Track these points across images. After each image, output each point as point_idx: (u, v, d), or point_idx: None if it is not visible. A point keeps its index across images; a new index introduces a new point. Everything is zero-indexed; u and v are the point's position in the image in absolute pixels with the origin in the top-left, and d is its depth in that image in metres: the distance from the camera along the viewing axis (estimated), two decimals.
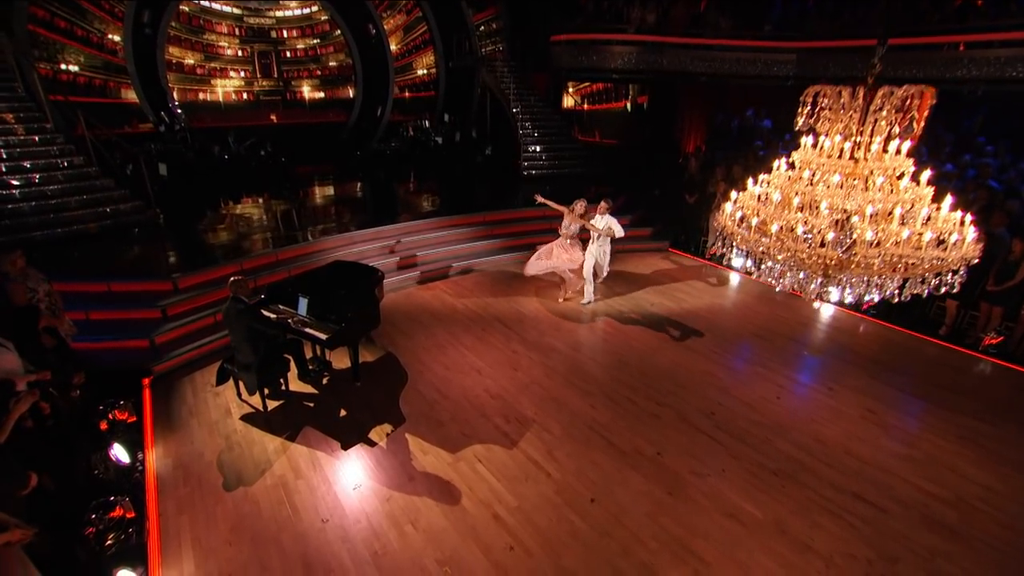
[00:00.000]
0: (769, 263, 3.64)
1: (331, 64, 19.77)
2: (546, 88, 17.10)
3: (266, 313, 6.30)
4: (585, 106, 18.23)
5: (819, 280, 3.44)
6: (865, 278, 3.37)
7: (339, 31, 17.95)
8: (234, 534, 4.42)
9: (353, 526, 4.51)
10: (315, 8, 18.17)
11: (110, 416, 5.45)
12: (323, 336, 6.06)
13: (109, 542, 4.15)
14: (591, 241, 8.44)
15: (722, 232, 3.88)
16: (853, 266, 3.33)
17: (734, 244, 3.81)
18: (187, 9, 16.78)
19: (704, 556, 4.25)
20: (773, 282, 3.69)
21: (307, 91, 20.14)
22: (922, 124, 3.34)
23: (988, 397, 6.47)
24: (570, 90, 17.77)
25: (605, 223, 8.28)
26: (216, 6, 17.54)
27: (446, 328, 7.96)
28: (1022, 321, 7.45)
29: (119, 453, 5.05)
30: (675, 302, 8.97)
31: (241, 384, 6.09)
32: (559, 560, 4.19)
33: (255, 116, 18.02)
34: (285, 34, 19.18)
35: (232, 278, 5.71)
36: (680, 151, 14.89)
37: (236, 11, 17.90)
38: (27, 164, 9.67)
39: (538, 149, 15.24)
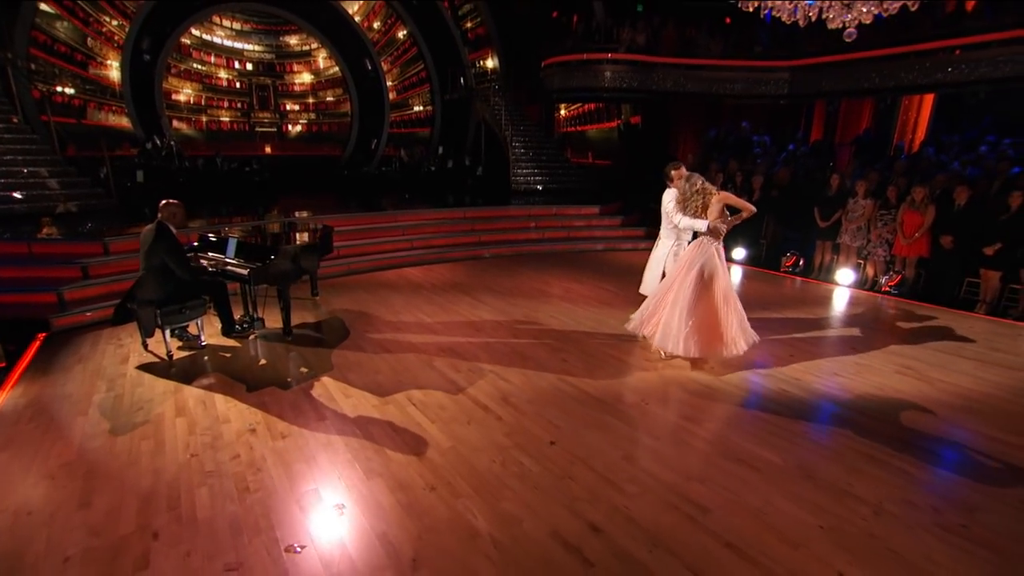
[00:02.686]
0: None
1: (328, 99, 19.95)
2: (539, 114, 16.93)
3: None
4: (578, 128, 18.02)
5: None
6: None
7: (336, 67, 18.20)
8: (65, 469, 3.30)
9: (228, 462, 3.39)
10: (314, 45, 18.54)
11: None
12: (245, 272, 5.14)
13: None
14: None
15: None
16: None
17: None
18: (188, 41, 17.12)
19: (701, 501, 3.07)
20: None
21: (303, 124, 20.22)
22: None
23: None
24: (562, 112, 17.62)
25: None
26: (216, 40, 17.92)
27: (406, 299, 6.99)
28: None
29: None
30: None
31: (157, 332, 5.07)
32: (497, 504, 3.02)
33: (250, 147, 17.92)
34: (284, 68, 19.48)
35: (164, 201, 4.87)
36: None
37: (236, 45, 18.29)
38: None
39: (530, 170, 14.77)
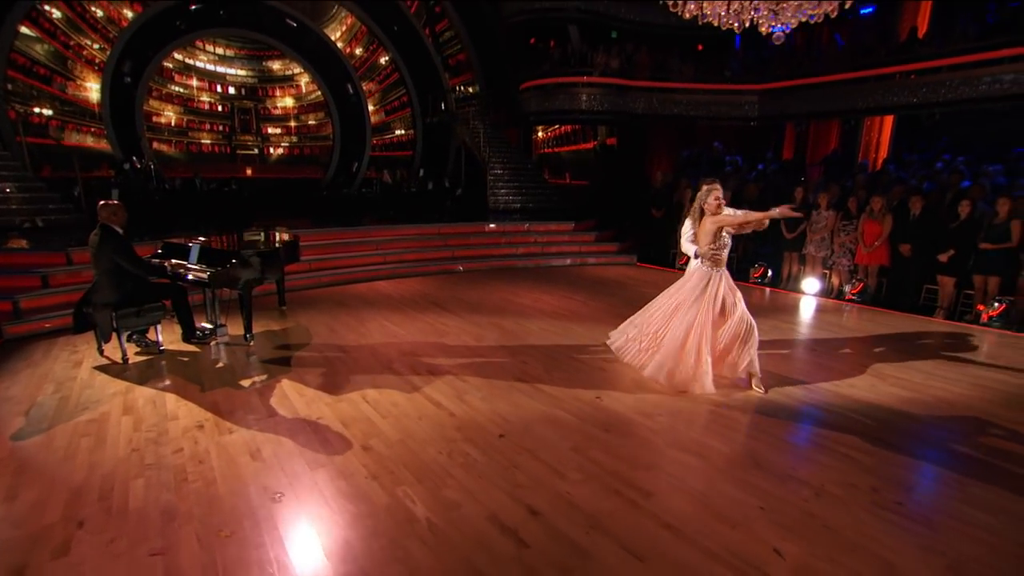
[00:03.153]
0: None
1: (310, 122, 20.13)
2: (518, 137, 17.21)
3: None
4: (555, 149, 18.32)
5: None
6: None
7: (319, 91, 18.43)
8: None
9: (170, 455, 3.33)
10: (297, 70, 18.79)
11: None
12: (205, 276, 5.12)
13: None
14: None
15: None
16: None
17: None
18: (170, 65, 17.26)
19: (645, 487, 3.06)
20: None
21: (285, 147, 20.36)
22: None
23: (994, 354, 5.40)
24: (540, 135, 17.94)
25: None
26: (199, 64, 18.10)
27: (374, 308, 6.96)
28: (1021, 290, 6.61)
29: None
30: (634, 296, 8.01)
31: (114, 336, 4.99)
32: (438, 491, 3.00)
33: (231, 169, 17.94)
34: (266, 92, 19.67)
35: (102, 201, 4.86)
36: (650, 186, 14.65)
37: (219, 69, 18.47)
38: None
39: (508, 191, 14.96)
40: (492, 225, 11.23)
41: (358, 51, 19.62)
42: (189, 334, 5.44)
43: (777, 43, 5.30)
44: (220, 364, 4.92)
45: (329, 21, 19.28)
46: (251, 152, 19.57)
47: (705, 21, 4.95)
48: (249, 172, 18.62)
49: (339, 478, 3.10)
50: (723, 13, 4.68)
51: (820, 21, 4.80)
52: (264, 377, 4.61)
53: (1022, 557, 2.54)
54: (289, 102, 20.33)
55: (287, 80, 19.99)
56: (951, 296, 7.26)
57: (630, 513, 2.82)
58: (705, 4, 4.62)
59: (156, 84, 17.07)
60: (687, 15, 4.83)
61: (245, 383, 4.48)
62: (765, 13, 4.58)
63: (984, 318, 6.73)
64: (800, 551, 2.54)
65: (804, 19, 4.64)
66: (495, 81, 18.08)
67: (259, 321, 6.16)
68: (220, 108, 18.86)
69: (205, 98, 18.50)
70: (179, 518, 2.72)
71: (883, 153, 13.29)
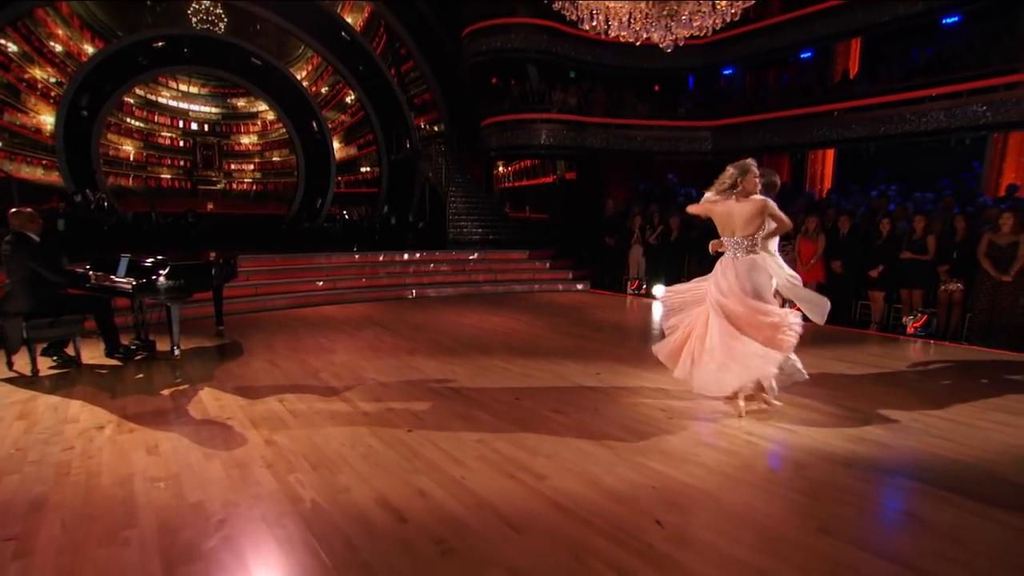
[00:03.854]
0: None
1: (275, 159, 20.29)
2: (481, 172, 17.59)
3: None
4: (516, 183, 18.73)
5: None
6: None
7: (284, 128, 18.68)
8: None
9: (58, 453, 3.21)
10: (262, 107, 19.07)
11: None
12: (129, 287, 5.06)
13: None
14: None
15: None
16: None
17: None
18: (131, 100, 17.34)
19: (541, 471, 3.06)
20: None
21: (248, 182, 20.40)
22: None
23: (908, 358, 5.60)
24: (501, 169, 18.36)
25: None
26: (161, 100, 18.23)
27: (315, 329, 6.91)
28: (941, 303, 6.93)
29: None
30: (580, 317, 8.13)
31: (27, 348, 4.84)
32: (332, 477, 2.95)
33: (192, 204, 17.83)
34: (230, 128, 19.82)
35: (13, 209, 4.81)
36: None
37: (182, 105, 18.62)
38: None
39: (469, 224, 15.21)
40: (445, 253, 11.33)
41: (324, 89, 20.03)
42: (112, 349, 5.32)
43: (668, 51, 5.58)
44: (140, 375, 4.81)
45: (296, 60, 19.72)
46: (213, 187, 19.54)
47: (613, 35, 5.20)
48: (211, 207, 18.54)
49: (232, 467, 3.03)
50: (617, 23, 4.92)
51: (715, 30, 5.03)
52: (183, 386, 4.51)
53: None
54: (254, 138, 20.50)
55: (252, 117, 20.22)
56: (882, 310, 7.55)
57: (519, 493, 2.81)
58: (609, 16, 4.88)
59: (116, 119, 17.07)
60: (589, 27, 5.07)
61: (161, 391, 4.38)
62: (660, 24, 4.87)
63: (909, 330, 6.98)
64: (681, 521, 2.56)
65: (695, 32, 4.94)
66: (459, 119, 18.59)
67: (192, 339, 6.08)
68: (182, 143, 18.89)
69: (167, 133, 18.54)
70: (47, 508, 2.61)
71: (827, 184, 13.95)
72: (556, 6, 4.76)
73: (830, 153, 13.96)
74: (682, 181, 15.19)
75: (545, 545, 2.36)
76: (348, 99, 20.01)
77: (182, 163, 18.88)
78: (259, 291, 8.56)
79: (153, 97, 17.99)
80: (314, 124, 19.04)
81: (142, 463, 3.09)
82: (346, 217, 17.31)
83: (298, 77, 18.56)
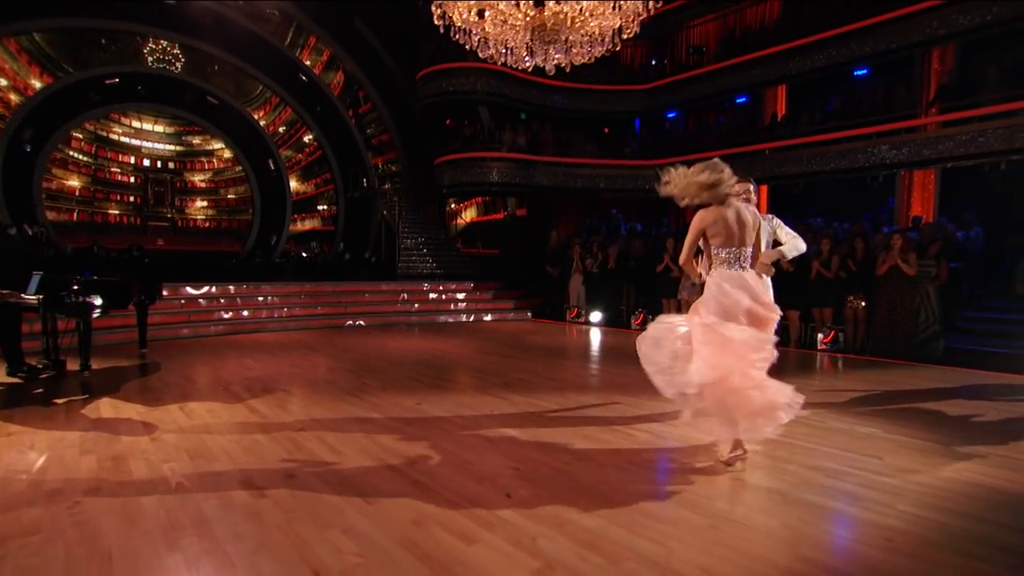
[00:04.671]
0: None
1: (230, 196, 20.26)
2: (434, 209, 17.98)
3: None
4: (468, 220, 19.15)
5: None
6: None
7: (240, 166, 18.75)
8: None
9: None
10: (218, 145, 19.17)
11: None
12: (35, 301, 5.03)
13: None
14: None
15: None
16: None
17: None
18: (80, 135, 17.25)
19: (411, 456, 3.18)
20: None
21: (201, 219, 20.27)
22: None
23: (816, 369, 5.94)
24: (454, 207, 18.77)
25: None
26: (112, 136, 18.17)
27: (243, 352, 6.89)
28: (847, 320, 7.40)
29: None
30: (511, 342, 8.31)
31: None
32: (206, 465, 3.02)
33: (141, 240, 17.58)
34: (184, 165, 19.80)
35: None
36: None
37: (134, 142, 18.58)
38: None
39: (422, 259, 15.46)
40: (389, 284, 11.48)
41: (281, 129, 20.32)
42: (14, 367, 5.21)
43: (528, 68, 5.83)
44: (40, 390, 4.75)
45: (254, 100, 20.03)
46: (164, 224, 19.35)
47: (489, 54, 5.45)
48: (161, 243, 18.30)
49: (107, 460, 3.06)
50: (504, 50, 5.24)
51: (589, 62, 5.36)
52: (82, 397, 4.48)
53: None
54: (209, 175, 20.52)
55: (207, 154, 20.29)
56: (799, 328, 7.97)
57: (387, 475, 2.92)
58: (494, 42, 5.22)
59: (62, 153, 16.91)
60: (485, 56, 5.39)
61: (56, 401, 4.34)
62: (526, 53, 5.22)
63: (820, 345, 7.39)
64: (529, 495, 2.70)
65: (575, 60, 5.34)
66: (415, 159, 19.05)
67: (110, 359, 6.04)
68: (133, 180, 18.76)
69: (116, 169, 18.42)
70: None
71: None
72: (462, 41, 5.11)
73: (763, 189, 14.79)
74: (626, 216, 15.82)
75: (388, 512, 2.47)
76: (306, 138, 20.32)
77: (132, 199, 18.68)
78: (192, 318, 8.51)
79: (104, 133, 17.91)
80: (271, 163, 19.18)
81: (8, 460, 3.07)
82: (303, 255, 17.34)
83: (256, 116, 18.80)
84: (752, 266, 3.32)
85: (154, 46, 16.70)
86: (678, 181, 3.35)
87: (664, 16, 16.39)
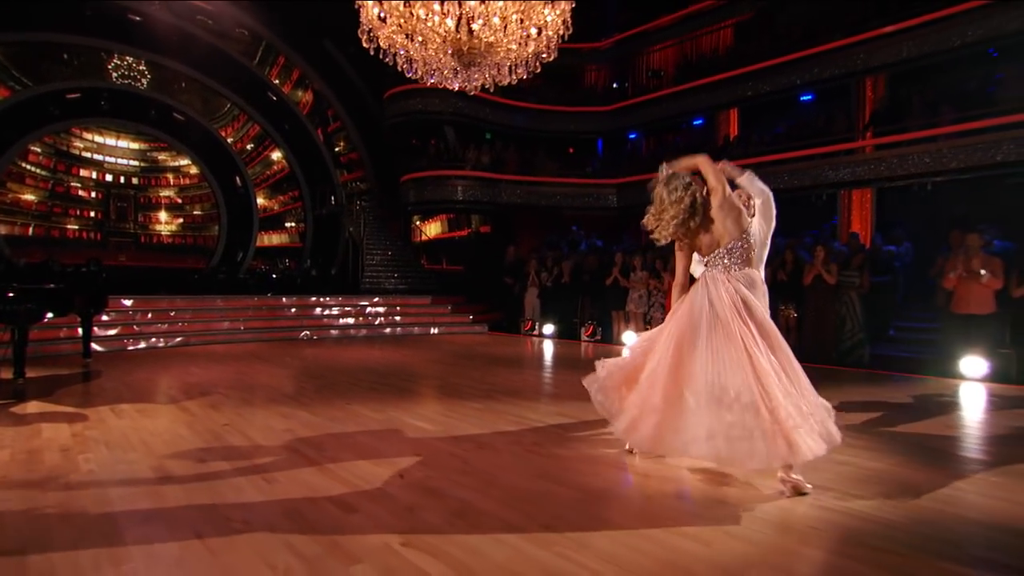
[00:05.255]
0: None
1: (195, 212, 20.17)
2: (400, 226, 18.19)
3: None
4: (433, 237, 19.39)
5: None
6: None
7: (206, 182, 18.74)
8: None
9: None
10: (184, 161, 19.14)
11: None
12: None
13: None
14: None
15: None
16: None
17: None
18: (38, 149, 17.07)
19: (323, 446, 3.34)
20: None
21: (166, 235, 20.13)
22: None
23: None
24: (419, 224, 19.01)
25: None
26: (73, 151, 18.01)
27: (189, 362, 6.94)
28: None
29: None
30: (462, 352, 8.50)
31: None
32: (123, 455, 3.14)
33: (103, 256, 17.37)
34: (148, 181, 19.68)
35: None
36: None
37: (96, 157, 18.43)
38: None
39: (387, 274, 15.60)
40: (348, 298, 11.59)
41: (249, 146, 20.39)
42: None
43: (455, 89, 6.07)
44: None
45: (222, 118, 20.08)
46: (127, 240, 19.15)
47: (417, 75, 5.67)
48: (123, 259, 18.09)
49: (22, 454, 3.16)
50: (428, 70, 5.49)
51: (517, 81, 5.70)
52: (9, 401, 4.51)
53: None
54: (174, 191, 20.43)
55: (173, 170, 20.22)
56: None
57: (293, 460, 3.10)
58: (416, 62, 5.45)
59: (17, 168, 16.70)
60: (411, 76, 5.61)
61: None
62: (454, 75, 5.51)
63: None
64: (422, 475, 2.88)
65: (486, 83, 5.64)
66: (383, 176, 19.29)
67: (50, 368, 6.07)
68: (94, 195, 18.58)
69: (76, 184, 18.24)
70: None
71: None
72: (390, 62, 5.36)
73: None
74: (587, 232, 16.23)
75: (286, 489, 2.63)
76: (274, 156, 20.40)
77: (92, 214, 18.48)
78: (143, 330, 8.50)
79: (64, 147, 17.76)
80: (238, 179, 19.20)
81: None
82: (268, 271, 17.32)
83: (223, 134, 18.86)
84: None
85: (119, 62, 16.71)
86: (664, 218, 3.01)
87: (626, 41, 17.11)
